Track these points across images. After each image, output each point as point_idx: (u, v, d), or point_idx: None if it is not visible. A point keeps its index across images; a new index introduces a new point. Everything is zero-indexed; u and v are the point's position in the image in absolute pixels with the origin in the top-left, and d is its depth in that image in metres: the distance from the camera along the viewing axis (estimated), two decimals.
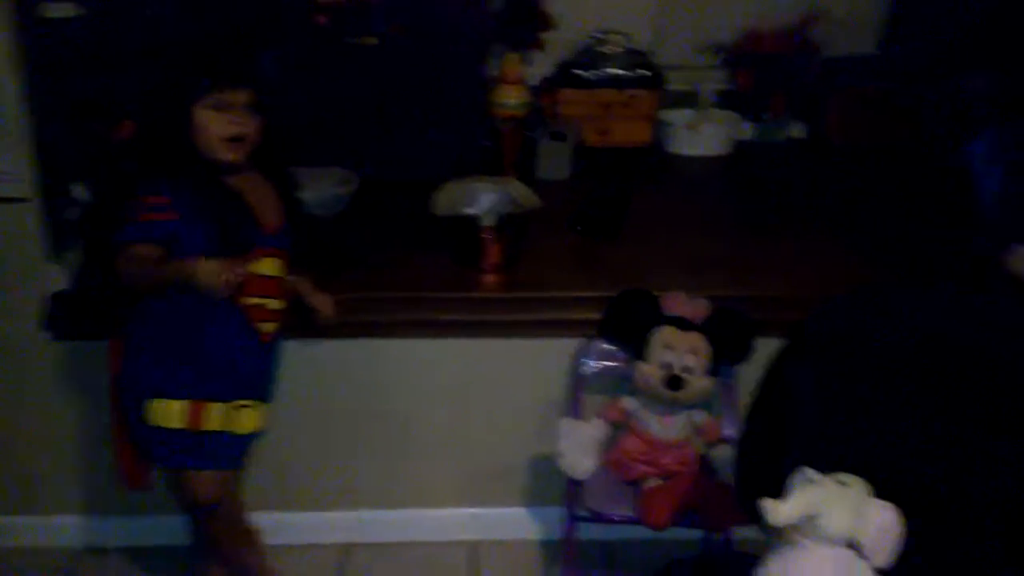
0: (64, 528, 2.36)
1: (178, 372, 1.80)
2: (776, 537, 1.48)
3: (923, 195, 2.52)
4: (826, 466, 1.48)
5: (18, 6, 1.92)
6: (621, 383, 2.09)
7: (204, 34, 1.84)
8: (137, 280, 1.75)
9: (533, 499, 2.36)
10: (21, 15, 1.94)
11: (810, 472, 1.48)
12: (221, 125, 1.73)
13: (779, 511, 1.41)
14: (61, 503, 2.35)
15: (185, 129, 1.73)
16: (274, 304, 1.88)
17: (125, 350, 1.85)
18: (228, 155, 1.76)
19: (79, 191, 2.24)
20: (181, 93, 1.73)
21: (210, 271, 1.65)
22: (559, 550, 2.21)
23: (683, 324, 1.96)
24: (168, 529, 2.25)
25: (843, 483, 1.46)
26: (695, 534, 2.25)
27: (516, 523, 2.37)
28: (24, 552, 2.34)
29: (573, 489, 2.06)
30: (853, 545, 1.42)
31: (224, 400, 1.84)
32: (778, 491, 1.47)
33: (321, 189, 2.42)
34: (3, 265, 2.07)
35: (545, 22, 2.80)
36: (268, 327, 1.88)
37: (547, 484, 2.29)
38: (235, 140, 1.76)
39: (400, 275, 2.23)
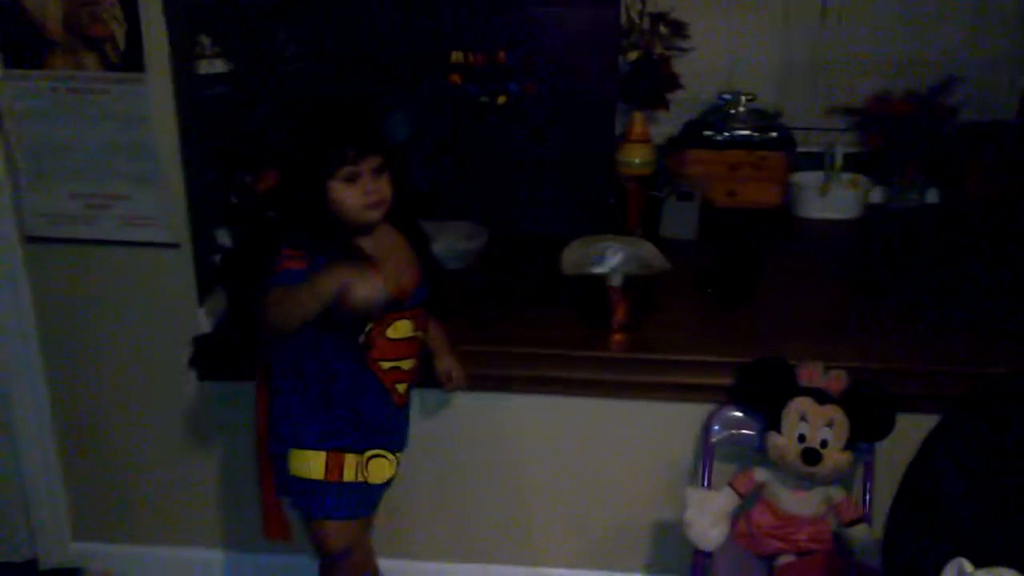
0: (204, 562, 2.44)
1: (317, 424, 1.83)
2: None
3: None
4: (980, 559, 1.42)
5: (177, 64, 2.03)
6: (751, 452, 2.05)
7: (330, 102, 1.88)
8: (281, 322, 1.71)
9: (654, 567, 2.31)
10: (179, 72, 2.04)
11: (964, 564, 1.41)
12: (356, 195, 1.73)
13: None
14: (203, 537, 2.42)
15: (322, 202, 1.73)
16: (408, 364, 1.89)
17: (271, 401, 1.89)
18: (368, 217, 1.77)
19: (223, 237, 2.34)
20: (313, 172, 1.73)
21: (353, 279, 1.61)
22: None
23: (820, 396, 1.91)
24: (303, 569, 2.28)
25: None
26: None
27: None
28: None
29: (700, 560, 2.01)
30: None
31: (359, 451, 1.87)
32: None
33: (451, 242, 2.47)
34: (157, 307, 2.17)
35: (672, 82, 2.81)
36: (402, 388, 1.90)
37: (671, 553, 2.24)
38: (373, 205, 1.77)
39: (526, 330, 2.24)
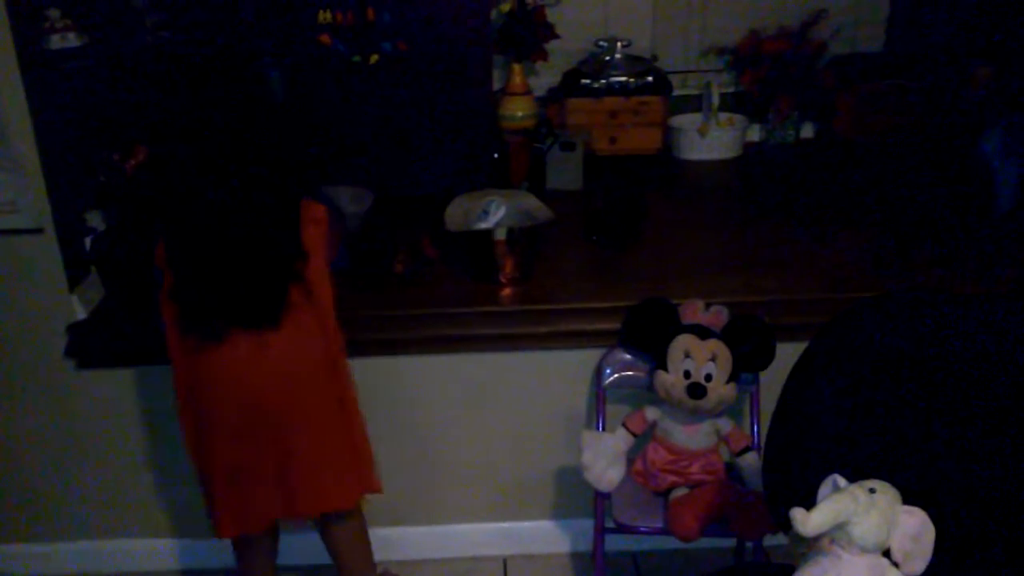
0: (85, 553, 2.38)
1: None
2: (808, 546, 1.48)
3: (939, 189, 2.51)
4: (854, 472, 1.48)
5: (22, 41, 1.92)
6: (643, 392, 2.09)
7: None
8: None
9: (561, 512, 2.35)
10: (25, 50, 1.94)
11: (839, 479, 1.47)
12: None
13: (808, 521, 1.39)
14: (86, 529, 2.36)
15: None
16: None
17: None
18: None
19: (95, 218, 2.25)
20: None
21: None
22: (589, 562, 2.20)
23: (702, 332, 1.95)
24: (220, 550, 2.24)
25: (872, 490, 1.44)
26: (727, 543, 2.25)
27: (545, 536, 2.37)
28: None
29: (600, 501, 2.06)
30: (886, 553, 1.42)
31: None
32: (808, 499, 1.47)
33: (336, 207, 2.42)
34: (26, 296, 2.08)
35: (547, 32, 2.80)
36: None
37: (575, 496, 2.28)
38: None
39: (417, 291, 2.23)
